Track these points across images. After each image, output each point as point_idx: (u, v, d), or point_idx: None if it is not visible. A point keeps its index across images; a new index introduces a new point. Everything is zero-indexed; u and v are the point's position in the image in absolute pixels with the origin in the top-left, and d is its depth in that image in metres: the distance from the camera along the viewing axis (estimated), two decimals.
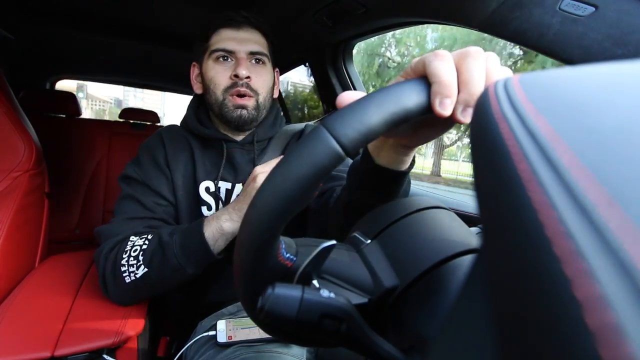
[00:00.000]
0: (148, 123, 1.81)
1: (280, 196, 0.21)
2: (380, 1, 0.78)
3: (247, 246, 0.22)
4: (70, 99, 1.63)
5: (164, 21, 1.26)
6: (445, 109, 0.24)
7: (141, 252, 0.59)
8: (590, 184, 0.10)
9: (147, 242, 0.60)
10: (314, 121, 0.93)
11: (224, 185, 0.72)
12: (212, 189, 0.71)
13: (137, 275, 0.59)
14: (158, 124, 1.85)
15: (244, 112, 0.69)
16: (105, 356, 0.57)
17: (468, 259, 0.24)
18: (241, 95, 0.68)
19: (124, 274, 0.59)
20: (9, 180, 0.73)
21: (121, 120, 1.79)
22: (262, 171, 0.58)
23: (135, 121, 1.78)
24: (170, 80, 1.93)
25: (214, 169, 0.72)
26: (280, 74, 1.63)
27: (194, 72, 0.76)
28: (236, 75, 0.67)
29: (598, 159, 0.11)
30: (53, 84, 1.95)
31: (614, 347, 0.08)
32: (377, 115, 0.23)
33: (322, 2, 0.88)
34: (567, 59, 0.51)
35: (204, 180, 0.71)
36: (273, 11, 1.03)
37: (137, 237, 0.61)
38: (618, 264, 0.09)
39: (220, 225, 0.58)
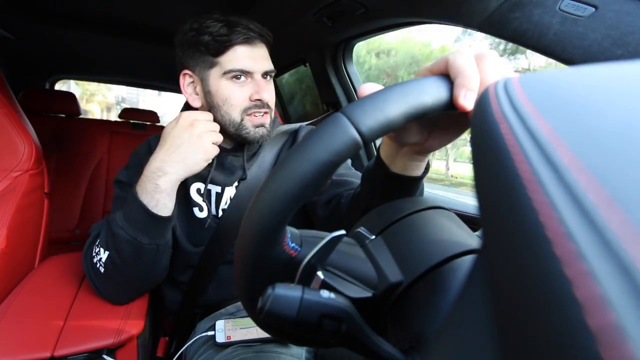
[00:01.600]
0: (148, 123, 1.81)
1: (295, 179, 0.21)
2: (380, 1, 0.78)
3: (256, 229, 0.22)
4: (70, 98, 1.63)
5: (164, 21, 1.25)
6: (467, 101, 0.25)
7: (100, 237, 0.61)
8: (591, 184, 0.10)
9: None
10: (307, 123, 0.93)
11: (213, 189, 0.73)
12: (203, 190, 0.72)
13: (103, 261, 0.59)
14: (158, 124, 1.85)
15: (264, 130, 0.68)
16: (105, 356, 0.57)
17: (469, 259, 0.24)
18: (260, 113, 0.68)
19: (97, 265, 0.60)
20: (9, 180, 0.73)
21: (121, 120, 1.79)
22: (198, 118, 0.61)
23: (135, 121, 1.78)
24: (171, 80, 1.93)
25: (204, 171, 0.72)
26: (280, 74, 1.64)
27: (185, 81, 0.70)
28: (258, 99, 0.66)
29: (598, 160, 0.11)
30: (53, 84, 1.95)
31: (614, 347, 0.08)
32: (398, 106, 0.23)
33: (322, 2, 0.88)
34: (567, 59, 0.51)
35: (195, 182, 0.71)
36: (273, 11, 1.03)
37: None
38: (618, 265, 0.09)
39: (156, 183, 0.57)
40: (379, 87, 0.26)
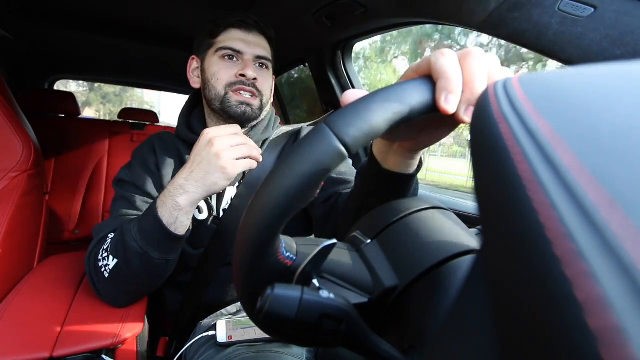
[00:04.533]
0: (147, 123, 1.80)
1: (282, 194, 0.21)
2: (379, 1, 0.78)
3: (248, 244, 0.22)
4: (69, 98, 1.63)
5: (163, 21, 1.25)
6: (450, 104, 0.24)
7: (110, 244, 0.60)
8: (591, 184, 0.10)
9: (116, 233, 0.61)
10: (308, 123, 0.93)
11: None
12: None
13: (110, 267, 0.59)
14: (157, 124, 1.84)
15: (248, 109, 0.69)
16: (104, 356, 0.57)
17: (468, 259, 0.24)
18: (246, 92, 0.69)
19: (102, 269, 0.60)
20: (8, 180, 0.73)
21: (120, 120, 1.78)
22: (216, 135, 0.57)
23: (135, 121, 1.78)
24: (170, 80, 1.93)
25: None
26: (280, 74, 1.64)
27: (192, 65, 0.75)
28: (242, 75, 0.67)
29: (598, 160, 0.11)
30: (52, 84, 1.94)
31: (615, 348, 0.08)
32: (380, 113, 0.23)
33: (321, 2, 0.88)
34: (566, 59, 0.51)
35: None
36: (273, 11, 1.03)
37: (113, 233, 0.62)
38: (619, 265, 0.09)
39: (176, 201, 0.56)
40: (363, 92, 0.26)
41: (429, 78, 0.26)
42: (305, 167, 0.21)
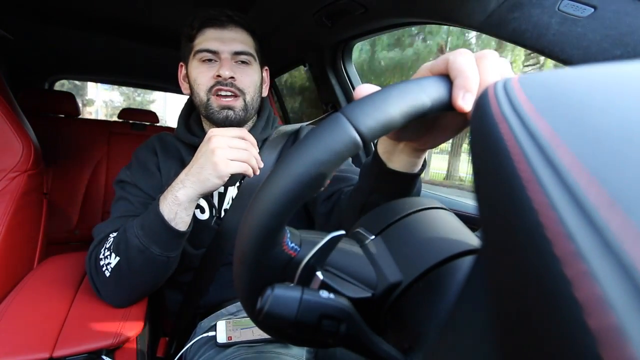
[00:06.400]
0: (147, 123, 1.80)
1: (294, 180, 0.21)
2: (379, 1, 0.78)
3: (254, 230, 0.22)
4: (69, 99, 1.63)
5: (163, 21, 1.25)
6: (466, 102, 0.25)
7: (113, 242, 0.60)
8: (591, 184, 0.10)
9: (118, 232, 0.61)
10: (307, 123, 0.93)
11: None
12: None
13: (112, 266, 0.59)
14: (158, 124, 1.84)
15: (231, 112, 0.67)
16: (104, 357, 0.57)
17: (468, 259, 0.24)
18: (225, 95, 0.67)
19: (103, 268, 0.60)
20: (7, 180, 0.73)
21: (120, 120, 1.78)
22: (218, 134, 0.57)
23: (135, 121, 1.78)
24: (170, 80, 1.93)
25: None
26: (279, 74, 1.64)
27: (181, 72, 0.75)
28: (219, 76, 0.66)
29: (598, 160, 0.11)
30: (52, 84, 1.94)
31: (615, 348, 0.08)
32: (397, 106, 0.23)
33: (321, 2, 0.88)
34: (566, 59, 0.51)
35: None
36: (273, 11, 1.03)
37: (115, 232, 0.62)
38: (619, 265, 0.09)
39: (175, 195, 0.56)
40: (376, 87, 0.26)
41: (445, 77, 0.26)
42: (319, 155, 0.21)
